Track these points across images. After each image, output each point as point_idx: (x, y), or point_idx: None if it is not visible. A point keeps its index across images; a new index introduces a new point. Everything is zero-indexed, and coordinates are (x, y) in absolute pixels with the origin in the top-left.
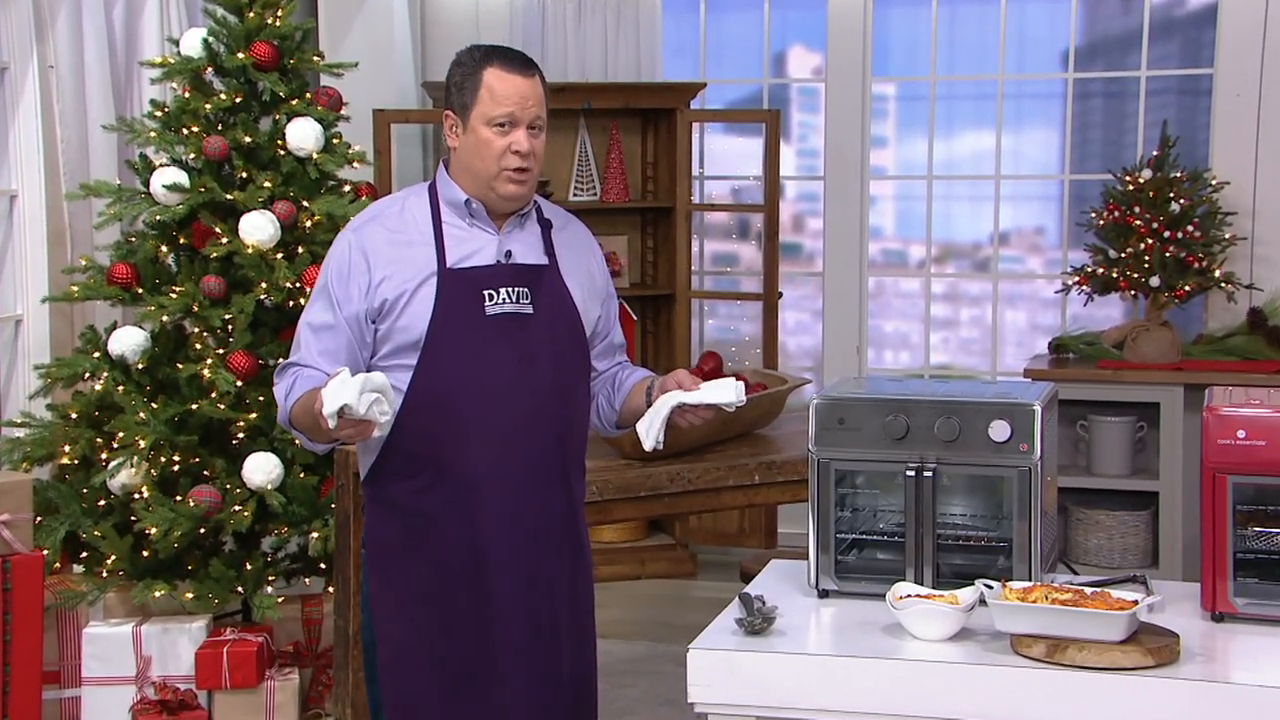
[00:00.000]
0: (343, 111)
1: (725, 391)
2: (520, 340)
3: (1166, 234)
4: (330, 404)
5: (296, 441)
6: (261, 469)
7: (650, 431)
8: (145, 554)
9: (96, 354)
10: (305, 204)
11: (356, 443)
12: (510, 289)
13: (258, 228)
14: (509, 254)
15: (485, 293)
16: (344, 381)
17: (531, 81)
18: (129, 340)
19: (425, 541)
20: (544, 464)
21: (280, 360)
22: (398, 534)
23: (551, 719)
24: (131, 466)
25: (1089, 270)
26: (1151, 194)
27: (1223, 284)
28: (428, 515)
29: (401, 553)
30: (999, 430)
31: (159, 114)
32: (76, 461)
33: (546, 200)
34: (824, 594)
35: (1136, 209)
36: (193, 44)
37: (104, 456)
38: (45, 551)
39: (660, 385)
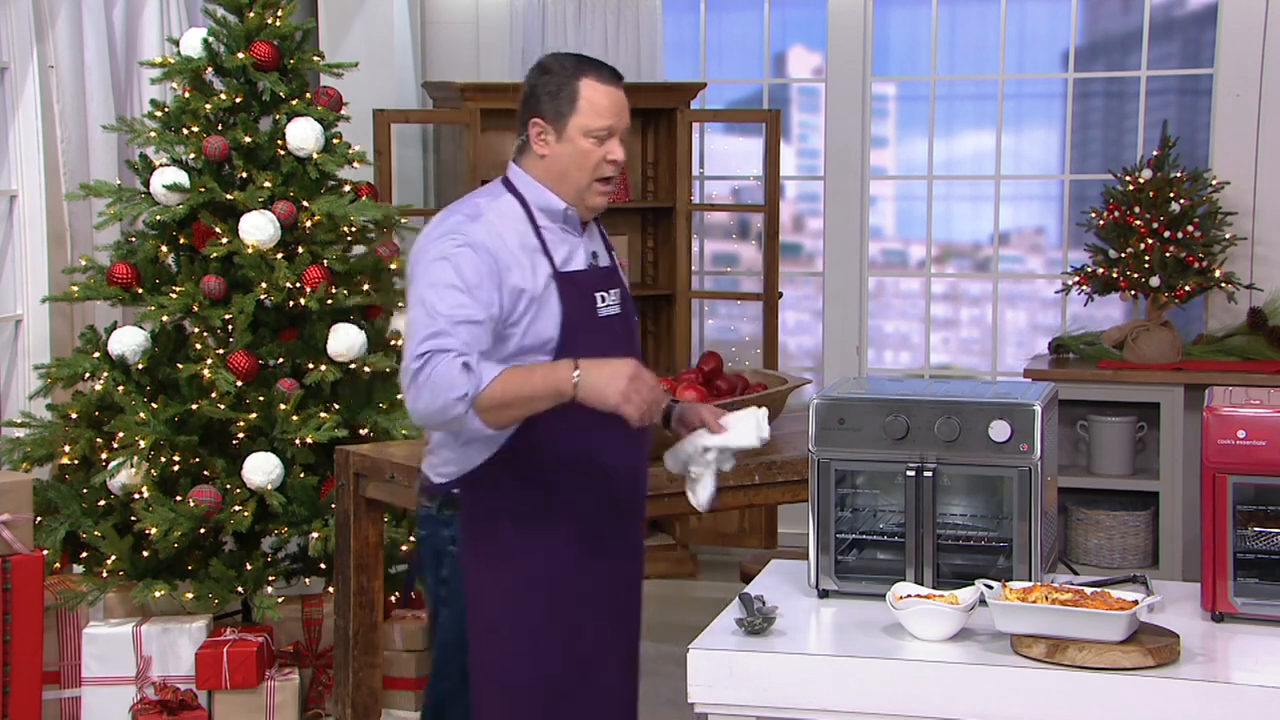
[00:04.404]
0: (343, 111)
1: (748, 433)
2: (622, 340)
3: (1166, 234)
4: (741, 442)
5: (480, 423)
6: (261, 469)
7: (704, 495)
8: (145, 554)
9: (96, 354)
10: (305, 204)
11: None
12: (608, 291)
13: (258, 228)
14: (595, 256)
15: (597, 295)
16: (758, 423)
17: (622, 91)
18: (129, 340)
19: (542, 524)
20: (638, 462)
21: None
22: (513, 519)
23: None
24: (131, 466)
25: (1089, 270)
26: (1151, 194)
27: (1223, 284)
28: (548, 504)
29: (524, 534)
30: (999, 430)
31: (159, 114)
32: (76, 461)
33: None
34: (824, 594)
35: (1136, 209)
36: (193, 44)
37: (104, 456)
38: (45, 551)
39: (680, 417)
